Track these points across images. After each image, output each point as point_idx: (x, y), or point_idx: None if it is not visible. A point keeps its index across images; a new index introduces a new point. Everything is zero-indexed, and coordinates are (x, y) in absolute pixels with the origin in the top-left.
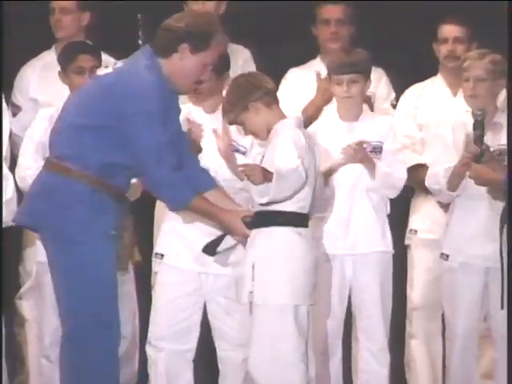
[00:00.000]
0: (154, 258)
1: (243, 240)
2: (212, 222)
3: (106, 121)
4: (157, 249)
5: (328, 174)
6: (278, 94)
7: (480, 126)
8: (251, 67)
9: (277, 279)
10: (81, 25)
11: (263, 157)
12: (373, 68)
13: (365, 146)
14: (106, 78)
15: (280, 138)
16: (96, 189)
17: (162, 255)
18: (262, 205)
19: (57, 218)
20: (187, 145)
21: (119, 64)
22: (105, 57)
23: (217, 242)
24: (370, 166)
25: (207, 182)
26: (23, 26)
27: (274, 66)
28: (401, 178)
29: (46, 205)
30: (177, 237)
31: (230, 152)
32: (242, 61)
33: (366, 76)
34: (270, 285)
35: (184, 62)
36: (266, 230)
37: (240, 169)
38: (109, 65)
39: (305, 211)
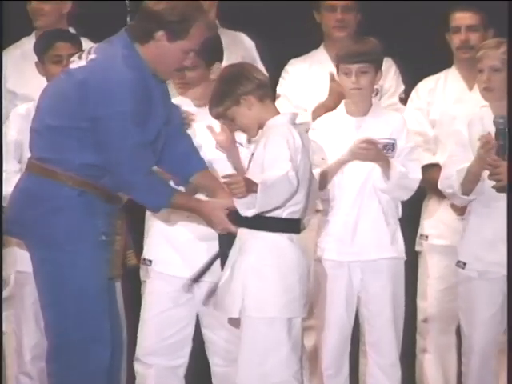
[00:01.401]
0: (141, 265)
1: (223, 232)
2: (195, 215)
3: (80, 123)
4: (144, 254)
5: (331, 173)
6: (279, 87)
7: (503, 136)
8: (254, 57)
9: (268, 289)
10: (62, 13)
11: (252, 155)
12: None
13: None
14: (79, 75)
15: (272, 137)
16: (83, 191)
17: (150, 261)
18: (254, 218)
19: (42, 225)
20: (179, 125)
21: (92, 54)
22: (88, 44)
23: (205, 269)
24: (385, 165)
25: (196, 164)
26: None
27: (278, 55)
28: (416, 178)
29: (30, 210)
30: (166, 241)
31: (232, 143)
32: (243, 50)
33: (377, 67)
34: (261, 296)
35: (161, 51)
36: (256, 236)
37: (223, 180)
38: (83, 53)
39: (297, 216)
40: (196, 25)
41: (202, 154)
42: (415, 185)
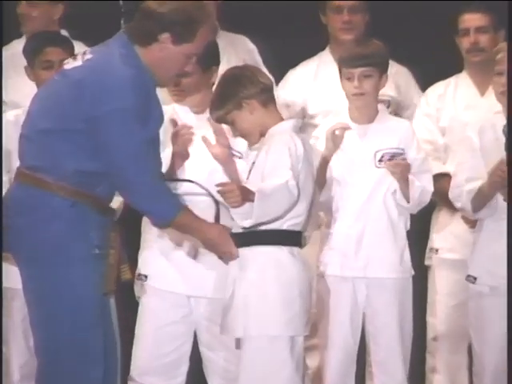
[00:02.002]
0: (136, 280)
1: (227, 257)
2: (195, 237)
3: (76, 124)
4: (139, 269)
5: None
6: (280, 95)
7: None
8: (257, 61)
9: (269, 306)
10: (53, 19)
11: (253, 163)
12: (397, 67)
13: (382, 154)
14: (75, 74)
15: (274, 144)
16: (75, 201)
17: (146, 276)
18: (245, 228)
19: (32, 238)
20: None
21: (88, 54)
22: (83, 48)
23: None
24: (405, 183)
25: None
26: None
27: (282, 59)
28: (429, 191)
29: (19, 222)
30: (162, 255)
31: (228, 156)
32: (243, 53)
33: (382, 71)
34: (262, 313)
35: (164, 54)
36: (255, 250)
37: (217, 189)
38: (78, 54)
39: (298, 228)
40: (203, 28)
41: (199, 163)
42: (428, 198)
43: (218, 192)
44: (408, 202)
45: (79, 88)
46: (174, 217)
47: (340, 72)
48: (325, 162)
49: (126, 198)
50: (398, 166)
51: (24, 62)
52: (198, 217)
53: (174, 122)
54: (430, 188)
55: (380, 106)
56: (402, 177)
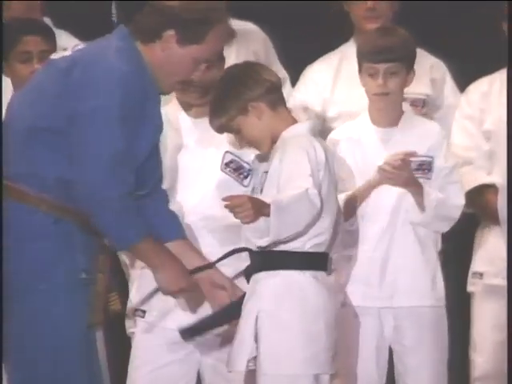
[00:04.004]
0: (128, 314)
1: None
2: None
3: (57, 122)
4: (136, 303)
5: (355, 198)
6: (296, 96)
7: None
8: (269, 52)
9: (288, 340)
10: (33, 4)
11: (266, 173)
12: (432, 61)
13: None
14: (62, 63)
15: (290, 149)
16: (59, 218)
17: (144, 312)
18: (262, 248)
19: (7, 259)
20: (159, 174)
21: (81, 45)
22: (68, 38)
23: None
24: (418, 192)
25: (174, 229)
26: None
27: (298, 52)
28: (457, 205)
29: None
30: None
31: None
32: (254, 44)
33: (409, 65)
34: (281, 348)
35: (167, 54)
36: (273, 274)
37: (224, 203)
38: (68, 48)
39: (322, 249)
40: (215, 29)
41: (204, 175)
42: (457, 213)
43: (226, 207)
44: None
45: (64, 77)
46: (134, 243)
47: (360, 66)
48: (362, 196)
49: (87, 212)
50: (394, 170)
51: None
52: (162, 251)
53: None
54: (460, 202)
55: (406, 107)
56: (404, 183)
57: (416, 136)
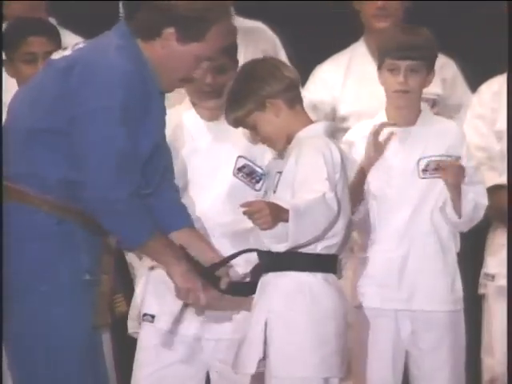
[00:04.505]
0: (131, 315)
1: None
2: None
3: (57, 123)
4: (144, 308)
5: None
6: (305, 96)
7: None
8: (277, 52)
9: (298, 342)
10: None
11: (279, 173)
12: (444, 60)
13: (427, 162)
14: (61, 63)
15: (305, 150)
16: (62, 218)
17: (153, 316)
18: (279, 253)
19: (9, 260)
20: (168, 164)
21: (81, 44)
22: (73, 38)
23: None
24: (458, 193)
25: (181, 219)
26: None
27: (307, 52)
28: (483, 205)
29: None
30: (169, 290)
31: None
32: (262, 43)
33: (430, 65)
34: (291, 350)
35: (167, 52)
36: (283, 275)
37: (242, 210)
38: (68, 46)
39: (333, 251)
40: (216, 27)
41: (216, 179)
42: (482, 213)
43: (244, 213)
44: (459, 217)
45: (64, 78)
46: (144, 242)
47: (381, 63)
48: (363, 174)
49: (93, 213)
50: (452, 170)
51: None
52: (171, 247)
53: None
54: (484, 201)
55: (423, 105)
56: (457, 184)
57: (434, 135)
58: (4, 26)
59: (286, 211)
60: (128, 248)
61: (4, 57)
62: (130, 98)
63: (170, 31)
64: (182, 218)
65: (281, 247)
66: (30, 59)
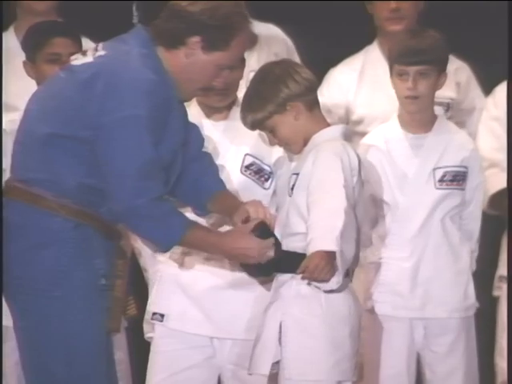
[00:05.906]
0: (147, 318)
1: (263, 259)
2: (215, 254)
3: (80, 132)
4: (154, 308)
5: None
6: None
7: None
8: (291, 55)
9: (312, 346)
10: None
11: (296, 176)
12: (458, 64)
13: (443, 172)
14: (84, 72)
15: (323, 153)
16: (78, 223)
17: (162, 316)
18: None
19: (25, 264)
20: (196, 148)
21: (101, 50)
22: (85, 42)
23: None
24: None
25: (211, 185)
26: None
27: (321, 55)
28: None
29: (8, 246)
30: (181, 290)
31: None
32: (276, 46)
33: (440, 68)
34: (305, 353)
35: (191, 61)
36: (298, 277)
37: (299, 271)
38: (88, 50)
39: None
40: (239, 35)
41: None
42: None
43: (304, 278)
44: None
45: (88, 89)
46: (179, 238)
47: (391, 68)
48: None
49: (123, 222)
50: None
51: (16, 58)
52: (211, 230)
53: None
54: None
55: (438, 110)
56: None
57: (450, 145)
58: (15, 30)
59: (332, 253)
60: (165, 250)
61: (25, 59)
62: (154, 107)
63: (195, 40)
64: (214, 182)
65: (333, 284)
66: (54, 59)
